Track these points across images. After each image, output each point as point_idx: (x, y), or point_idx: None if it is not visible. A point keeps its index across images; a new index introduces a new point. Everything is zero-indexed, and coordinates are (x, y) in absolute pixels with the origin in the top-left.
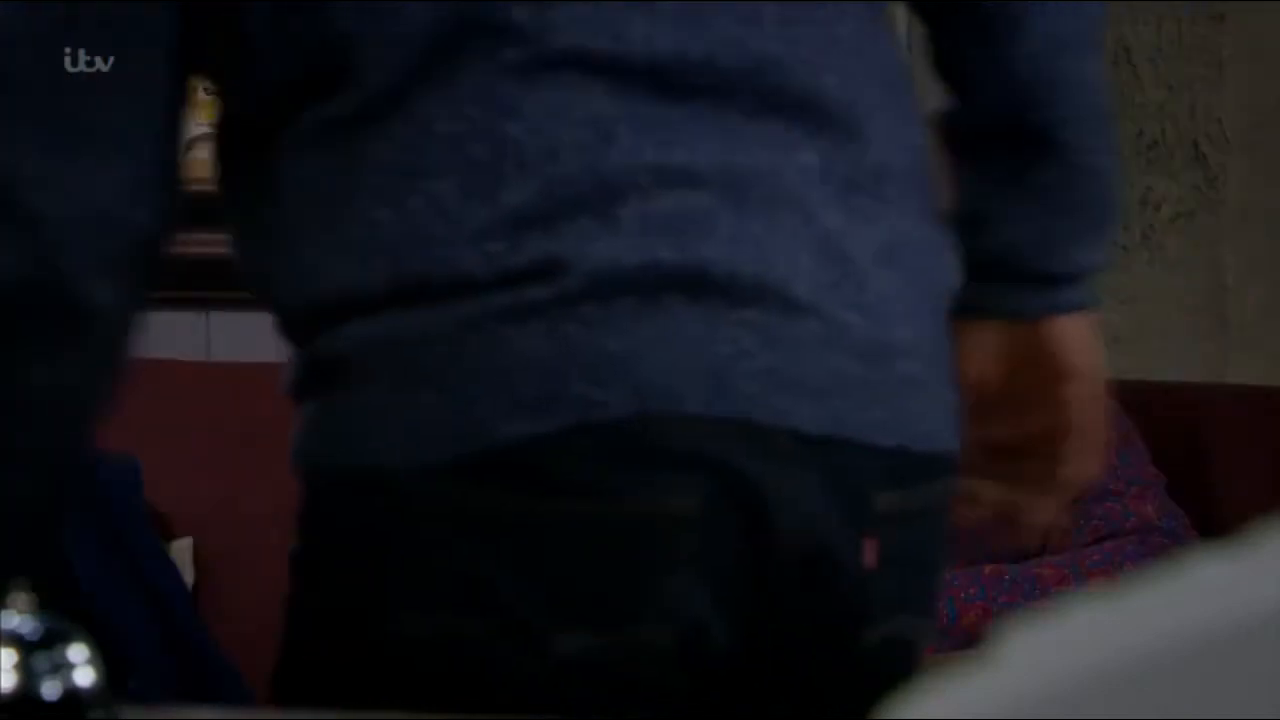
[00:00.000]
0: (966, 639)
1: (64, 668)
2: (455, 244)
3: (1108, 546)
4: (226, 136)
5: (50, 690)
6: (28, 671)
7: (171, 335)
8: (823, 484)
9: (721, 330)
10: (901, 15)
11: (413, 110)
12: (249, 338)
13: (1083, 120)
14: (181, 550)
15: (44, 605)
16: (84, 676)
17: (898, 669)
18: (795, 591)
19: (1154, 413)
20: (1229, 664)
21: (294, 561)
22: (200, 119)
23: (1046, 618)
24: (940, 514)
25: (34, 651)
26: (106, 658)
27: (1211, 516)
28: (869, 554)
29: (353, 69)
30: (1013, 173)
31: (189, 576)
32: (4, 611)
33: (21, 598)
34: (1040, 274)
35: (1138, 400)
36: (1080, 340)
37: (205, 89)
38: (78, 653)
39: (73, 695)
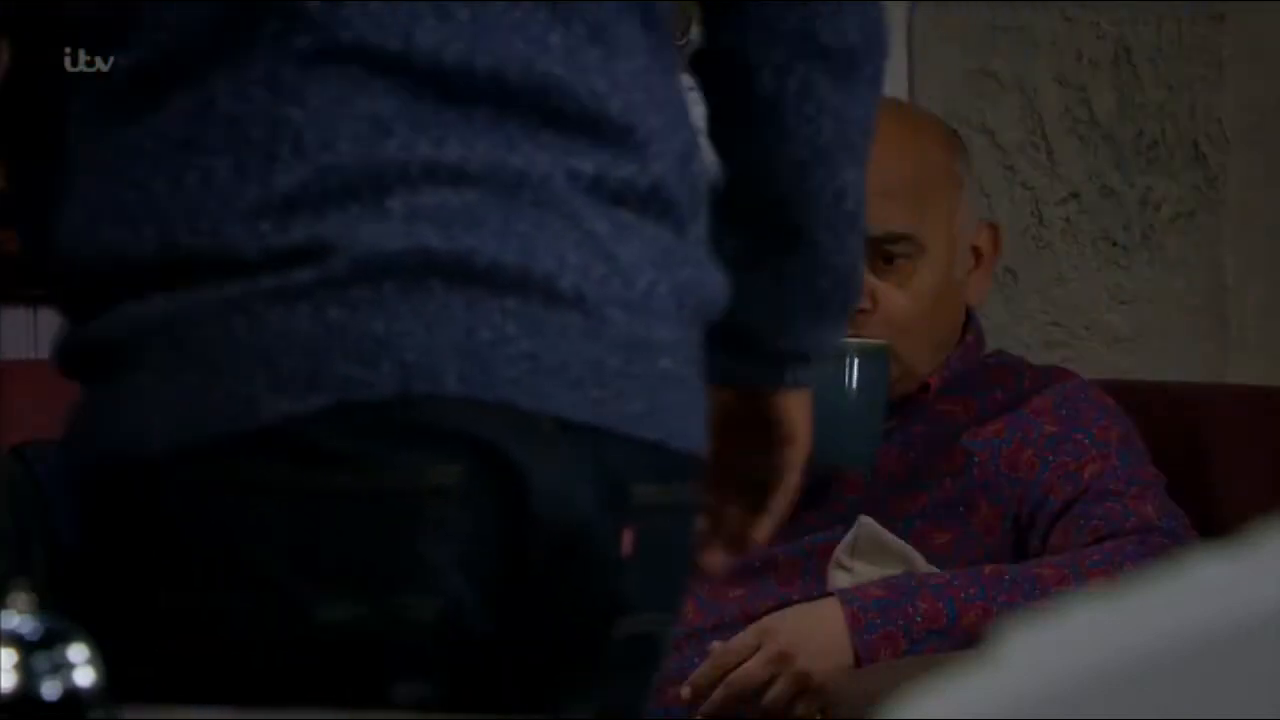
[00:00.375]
0: (966, 639)
1: (64, 668)
2: (226, 221)
3: (1108, 546)
4: (12, 95)
5: (50, 690)
6: (28, 671)
7: None
8: (583, 471)
9: (484, 316)
10: (901, 16)
11: (198, 83)
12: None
13: (835, 226)
14: None
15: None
16: (84, 676)
17: (644, 664)
18: (551, 575)
19: (1154, 413)
20: (1229, 664)
21: (73, 553)
22: None
23: (1046, 618)
24: (691, 513)
25: (34, 651)
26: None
27: (1211, 516)
28: (626, 543)
29: (143, 24)
30: (760, 257)
31: None
32: (4, 611)
33: (21, 598)
34: (773, 352)
35: (1138, 400)
36: (800, 412)
37: None
38: (78, 653)
39: (73, 695)
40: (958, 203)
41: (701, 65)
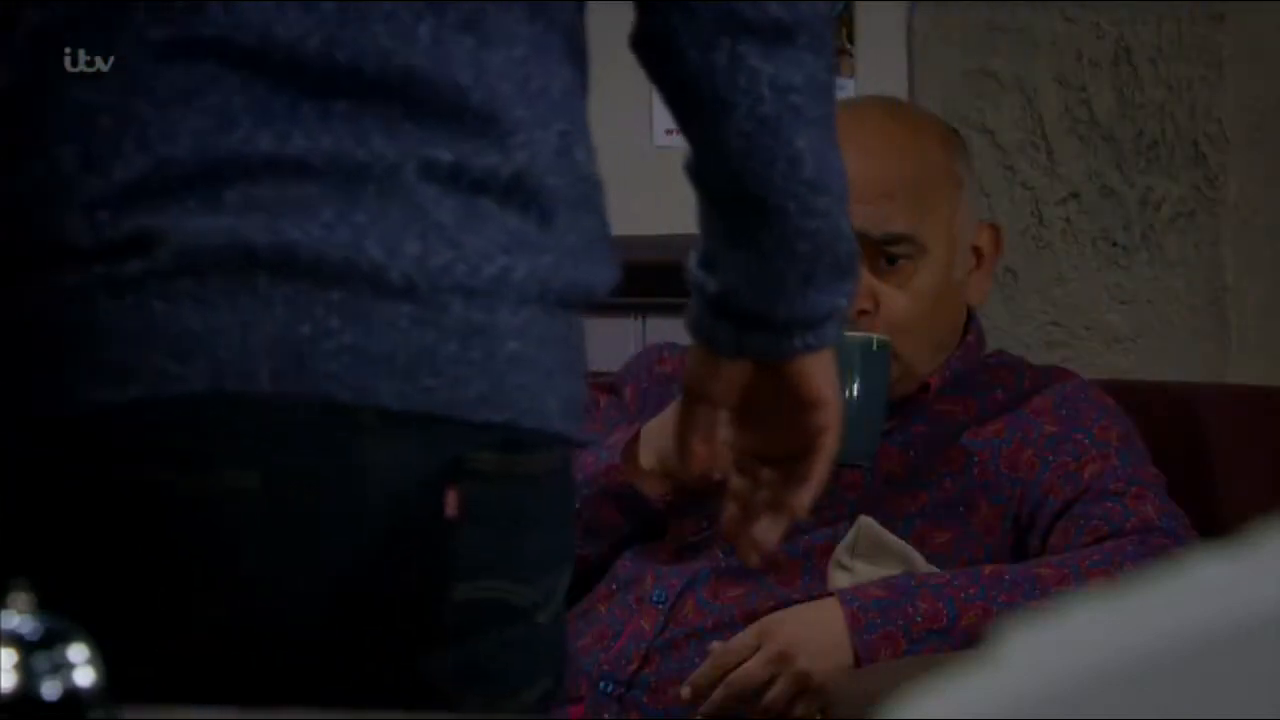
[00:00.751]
0: (966, 639)
1: (64, 668)
2: (68, 210)
3: (1108, 546)
4: None
5: (50, 690)
6: (28, 671)
7: None
8: (407, 455)
9: (306, 310)
10: (901, 16)
11: (56, 71)
12: None
13: (795, 193)
14: None
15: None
16: (84, 676)
17: (491, 631)
18: (381, 549)
19: (1154, 413)
20: (1229, 664)
21: None
22: None
23: (1046, 618)
24: (542, 484)
25: (34, 651)
26: None
27: (1211, 516)
28: (451, 505)
29: (11, 7)
30: (733, 229)
31: None
32: (4, 611)
33: (21, 598)
34: (775, 322)
35: (1138, 400)
36: (821, 374)
37: None
38: (78, 653)
39: (73, 695)
40: (958, 203)
41: (638, 51)
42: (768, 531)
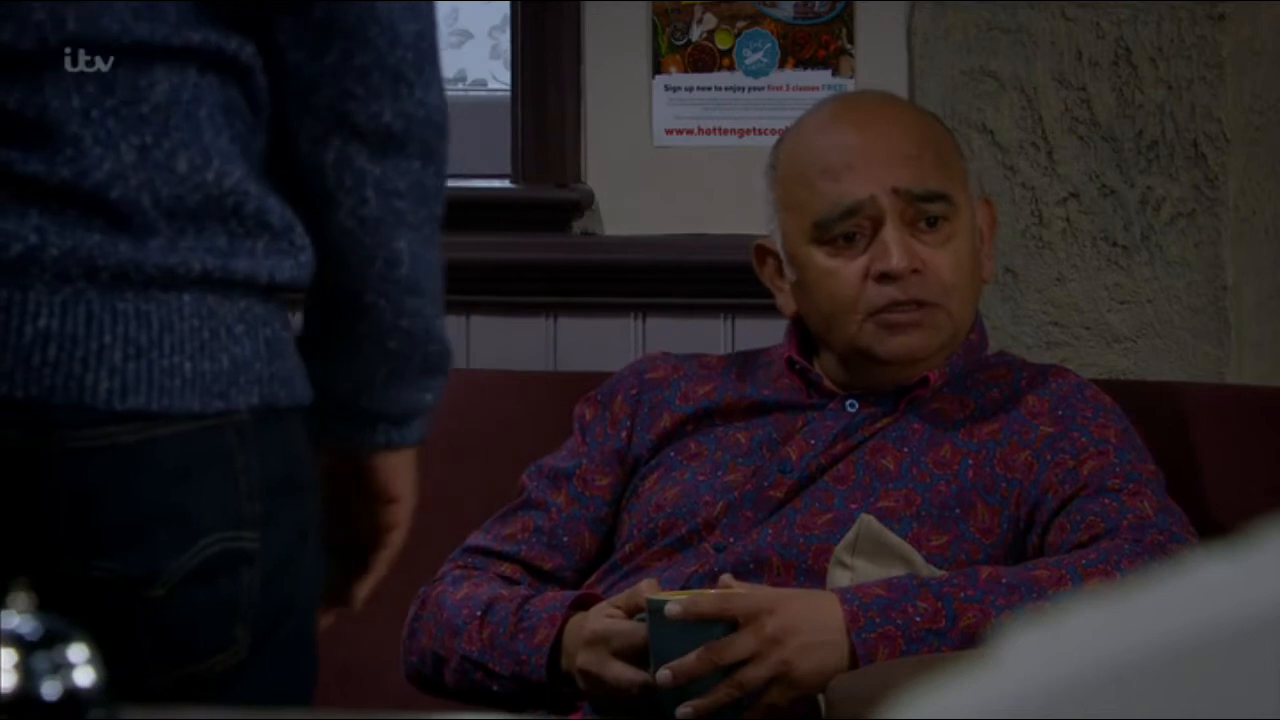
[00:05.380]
0: (965, 639)
1: (64, 668)
2: None
3: (1104, 546)
4: None
5: (50, 690)
6: (28, 671)
7: None
8: None
9: None
10: (901, 16)
11: None
12: None
13: (388, 292)
14: None
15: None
16: (84, 676)
17: (60, 603)
18: None
19: (1154, 413)
20: (1229, 664)
21: None
22: None
23: (1046, 619)
24: (101, 459)
25: (34, 651)
26: None
27: (1211, 516)
28: None
29: None
30: (329, 321)
31: None
32: (4, 611)
33: (21, 598)
34: (360, 412)
35: (1138, 400)
36: (403, 471)
37: None
38: (78, 653)
39: (73, 695)
40: (968, 176)
41: (271, 137)
42: (327, 615)
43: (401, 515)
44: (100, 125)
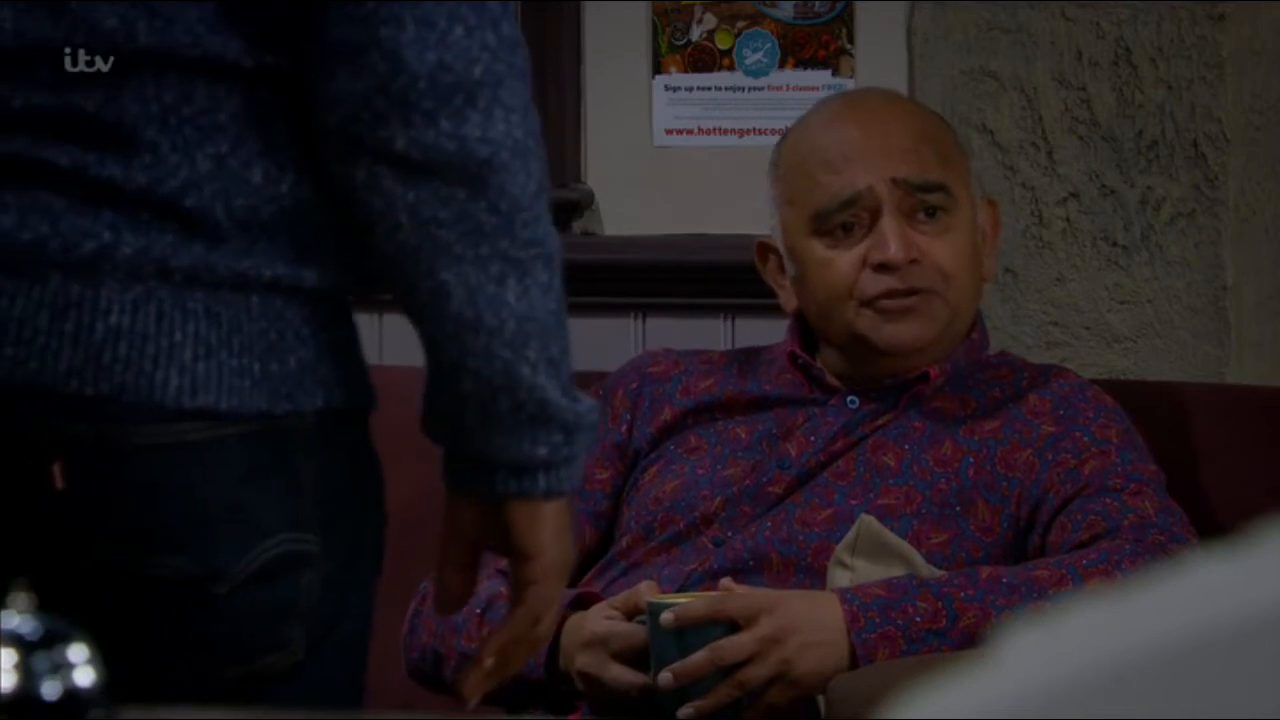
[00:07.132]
0: (965, 640)
1: (64, 668)
2: None
3: (1104, 546)
4: None
5: (50, 690)
6: (28, 671)
7: None
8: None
9: None
10: (901, 16)
11: None
12: None
13: (444, 326)
14: None
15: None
16: (84, 676)
17: (122, 598)
18: None
19: (1154, 413)
20: (1229, 664)
21: None
22: None
23: (1046, 619)
24: (167, 456)
25: (34, 651)
26: None
27: (1211, 516)
28: (57, 477)
29: None
30: (434, 372)
31: None
32: (4, 611)
33: (21, 598)
34: (469, 458)
35: (1138, 400)
36: (530, 525)
37: None
38: (78, 653)
39: (73, 695)
40: (968, 173)
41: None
42: (475, 683)
43: (537, 573)
44: (178, 133)
